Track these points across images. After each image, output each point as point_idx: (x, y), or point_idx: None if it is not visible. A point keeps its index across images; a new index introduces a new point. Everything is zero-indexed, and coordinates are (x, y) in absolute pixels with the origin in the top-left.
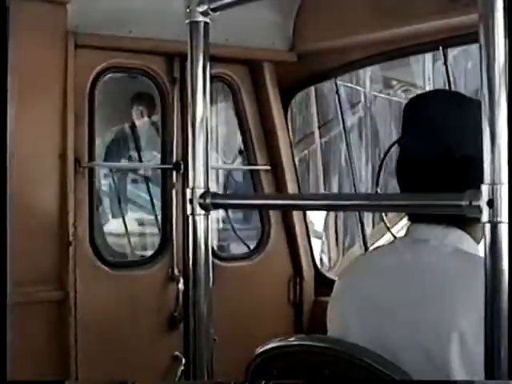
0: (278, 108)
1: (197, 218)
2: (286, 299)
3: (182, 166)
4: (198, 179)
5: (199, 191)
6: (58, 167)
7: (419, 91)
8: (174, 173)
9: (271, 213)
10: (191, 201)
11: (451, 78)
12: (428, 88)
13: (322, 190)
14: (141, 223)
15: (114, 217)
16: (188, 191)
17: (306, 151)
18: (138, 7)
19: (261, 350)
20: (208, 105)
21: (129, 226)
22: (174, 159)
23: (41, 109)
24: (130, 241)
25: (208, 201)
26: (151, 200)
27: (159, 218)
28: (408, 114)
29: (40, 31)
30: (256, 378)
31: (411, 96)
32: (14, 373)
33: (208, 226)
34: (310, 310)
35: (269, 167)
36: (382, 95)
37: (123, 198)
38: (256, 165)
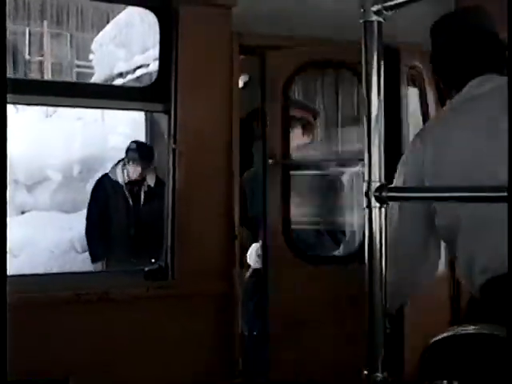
0: None
1: (372, 210)
2: None
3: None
4: (374, 173)
5: (375, 184)
6: (225, 164)
7: None
8: None
9: None
10: (367, 194)
11: None
12: None
13: None
14: None
15: None
16: (364, 185)
17: None
18: (299, 8)
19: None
20: (382, 101)
21: None
22: None
23: (208, 106)
24: None
25: (384, 194)
26: None
27: None
28: None
29: (206, 33)
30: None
31: None
32: (181, 364)
33: (383, 219)
34: None
35: None
36: None
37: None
38: None
